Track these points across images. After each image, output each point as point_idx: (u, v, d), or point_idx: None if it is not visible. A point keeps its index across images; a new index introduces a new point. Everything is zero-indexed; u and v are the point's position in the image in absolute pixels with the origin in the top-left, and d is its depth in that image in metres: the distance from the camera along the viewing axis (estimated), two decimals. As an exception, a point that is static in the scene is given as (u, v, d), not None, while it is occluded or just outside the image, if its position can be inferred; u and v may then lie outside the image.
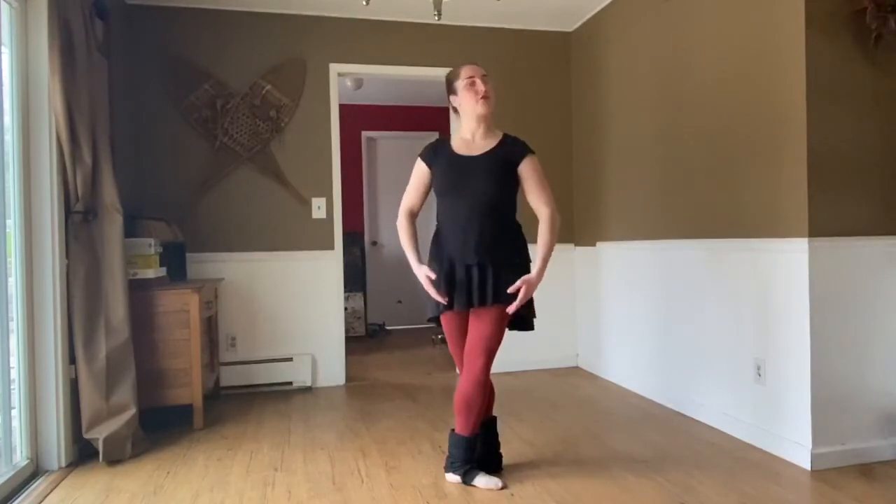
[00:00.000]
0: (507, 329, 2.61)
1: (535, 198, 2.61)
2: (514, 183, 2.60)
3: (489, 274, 2.51)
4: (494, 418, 2.74)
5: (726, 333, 3.15)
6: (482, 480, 2.52)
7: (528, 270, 2.57)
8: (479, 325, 2.53)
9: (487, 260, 2.51)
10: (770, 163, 2.85)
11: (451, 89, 2.66)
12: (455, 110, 2.69)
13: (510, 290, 2.48)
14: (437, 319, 2.68)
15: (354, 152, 6.85)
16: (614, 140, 4.22)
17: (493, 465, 2.68)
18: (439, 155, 2.65)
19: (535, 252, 2.58)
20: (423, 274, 2.55)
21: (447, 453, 2.64)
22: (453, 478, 2.58)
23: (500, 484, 2.52)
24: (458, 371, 2.66)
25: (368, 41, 4.48)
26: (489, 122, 2.63)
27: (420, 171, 2.69)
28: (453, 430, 2.60)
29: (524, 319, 2.64)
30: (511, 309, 2.48)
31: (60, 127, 2.78)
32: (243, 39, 4.28)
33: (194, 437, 3.28)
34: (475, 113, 2.59)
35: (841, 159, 2.69)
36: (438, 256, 2.60)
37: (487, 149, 2.59)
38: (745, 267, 3.00)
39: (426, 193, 2.71)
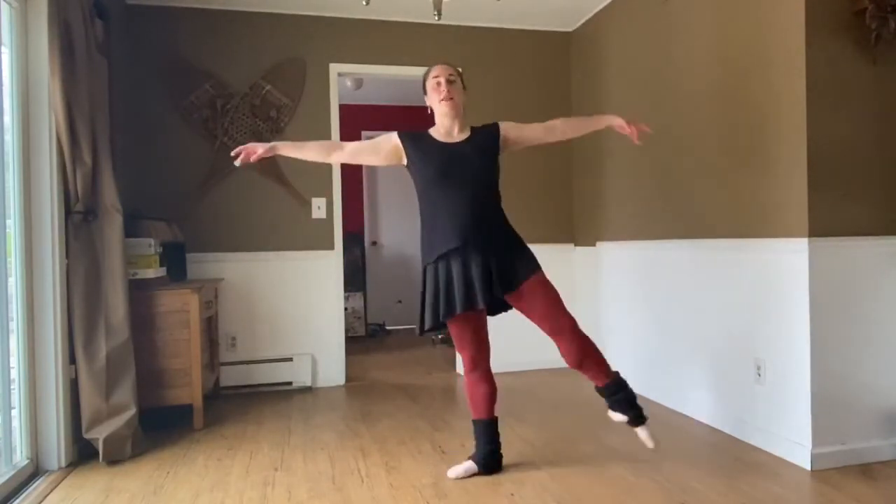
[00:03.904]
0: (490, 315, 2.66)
1: (536, 125, 2.69)
2: (498, 166, 2.63)
3: (511, 250, 2.53)
4: (496, 419, 2.74)
5: (726, 333, 3.15)
6: (643, 433, 2.60)
7: (527, 247, 2.59)
8: (538, 295, 2.51)
9: (502, 238, 2.55)
10: (770, 163, 2.85)
11: (424, 89, 2.70)
12: (431, 111, 2.71)
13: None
14: (434, 328, 2.61)
15: (354, 152, 6.84)
16: (614, 140, 4.21)
17: (492, 465, 2.68)
18: (423, 142, 2.62)
19: (575, 124, 2.83)
20: (265, 146, 2.58)
21: (609, 402, 2.63)
22: (619, 417, 2.61)
23: (653, 445, 2.60)
24: (463, 369, 2.67)
25: (368, 41, 4.48)
26: (462, 119, 2.65)
27: (386, 139, 2.66)
28: (597, 386, 2.63)
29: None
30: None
31: (60, 127, 2.78)
32: (243, 39, 4.28)
33: (194, 437, 3.28)
34: (440, 113, 2.63)
35: (841, 159, 2.69)
36: (434, 254, 2.54)
37: (467, 137, 2.63)
38: (746, 267, 3.00)
39: (371, 156, 2.69)
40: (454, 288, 2.50)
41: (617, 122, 2.67)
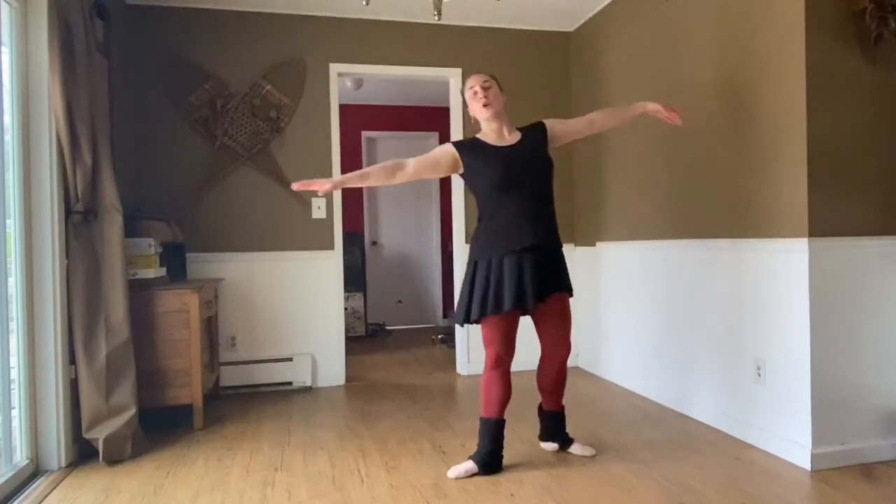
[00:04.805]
0: None
1: (577, 119, 2.87)
2: (552, 163, 2.76)
3: (558, 259, 2.70)
4: (504, 421, 2.74)
5: (726, 333, 3.15)
6: (577, 448, 2.87)
7: (564, 260, 2.78)
8: (561, 312, 2.73)
9: (552, 243, 2.69)
10: (770, 162, 2.85)
11: (464, 101, 2.82)
12: (475, 120, 2.82)
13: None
14: (478, 321, 2.66)
15: (354, 152, 6.85)
16: (614, 140, 4.22)
17: (492, 466, 2.68)
18: (478, 149, 2.71)
19: (611, 114, 2.91)
20: (333, 181, 2.57)
21: (540, 427, 2.95)
22: (551, 446, 2.92)
23: (592, 451, 2.86)
24: (484, 364, 2.73)
25: (368, 41, 4.48)
26: (507, 121, 2.78)
27: (443, 151, 2.73)
28: (540, 406, 2.93)
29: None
30: None
31: (60, 127, 2.78)
32: (243, 39, 4.28)
33: (194, 437, 3.28)
34: (483, 118, 2.74)
35: (841, 159, 2.69)
36: (490, 254, 2.62)
37: (519, 138, 2.74)
38: (746, 267, 3.00)
39: (431, 171, 2.73)
40: (504, 285, 2.58)
41: (652, 107, 2.84)
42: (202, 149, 4.22)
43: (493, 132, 2.74)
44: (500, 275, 2.59)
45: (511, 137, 2.74)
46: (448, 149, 2.73)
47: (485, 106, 2.69)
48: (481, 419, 2.72)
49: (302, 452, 3.01)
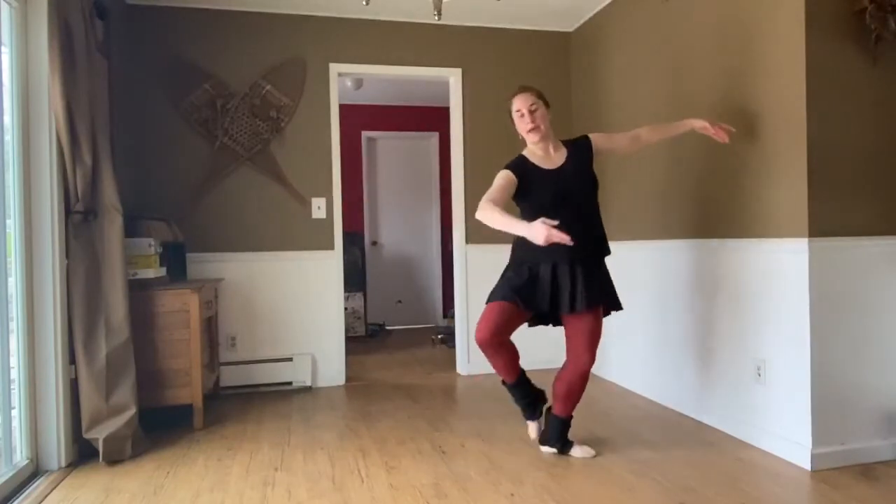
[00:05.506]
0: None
1: (622, 135, 2.93)
2: (596, 178, 2.82)
3: (598, 273, 2.73)
4: (522, 373, 2.83)
5: (726, 333, 3.15)
6: (577, 451, 2.86)
7: (608, 277, 2.81)
8: (590, 321, 2.74)
9: (593, 257, 2.73)
10: (770, 163, 2.85)
11: (510, 116, 2.84)
12: (521, 137, 2.84)
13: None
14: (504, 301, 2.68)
15: (354, 152, 6.85)
16: (614, 140, 4.21)
17: (538, 409, 2.90)
18: (529, 172, 2.74)
19: (657, 130, 2.98)
20: (539, 223, 2.31)
21: (542, 429, 2.92)
22: (549, 450, 2.89)
23: (592, 453, 2.84)
24: (475, 336, 2.71)
25: (368, 41, 4.48)
26: (553, 139, 2.81)
27: (507, 179, 2.70)
28: (549, 408, 2.89)
29: (615, 301, 2.84)
30: None
31: (60, 127, 2.78)
32: (243, 39, 4.28)
33: (194, 437, 3.28)
34: (531, 141, 2.78)
35: (841, 159, 2.69)
36: (528, 260, 2.68)
37: (566, 157, 2.78)
38: (746, 267, 3.00)
39: (507, 198, 2.73)
40: (536, 289, 2.68)
41: (699, 124, 2.89)
42: (202, 149, 4.22)
43: (540, 151, 2.78)
44: (535, 279, 2.68)
45: (557, 156, 2.78)
46: (510, 176, 2.71)
47: (532, 130, 2.73)
48: (503, 383, 2.87)
49: (302, 452, 3.01)
